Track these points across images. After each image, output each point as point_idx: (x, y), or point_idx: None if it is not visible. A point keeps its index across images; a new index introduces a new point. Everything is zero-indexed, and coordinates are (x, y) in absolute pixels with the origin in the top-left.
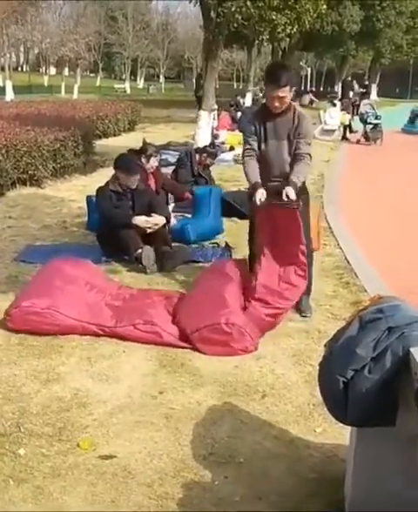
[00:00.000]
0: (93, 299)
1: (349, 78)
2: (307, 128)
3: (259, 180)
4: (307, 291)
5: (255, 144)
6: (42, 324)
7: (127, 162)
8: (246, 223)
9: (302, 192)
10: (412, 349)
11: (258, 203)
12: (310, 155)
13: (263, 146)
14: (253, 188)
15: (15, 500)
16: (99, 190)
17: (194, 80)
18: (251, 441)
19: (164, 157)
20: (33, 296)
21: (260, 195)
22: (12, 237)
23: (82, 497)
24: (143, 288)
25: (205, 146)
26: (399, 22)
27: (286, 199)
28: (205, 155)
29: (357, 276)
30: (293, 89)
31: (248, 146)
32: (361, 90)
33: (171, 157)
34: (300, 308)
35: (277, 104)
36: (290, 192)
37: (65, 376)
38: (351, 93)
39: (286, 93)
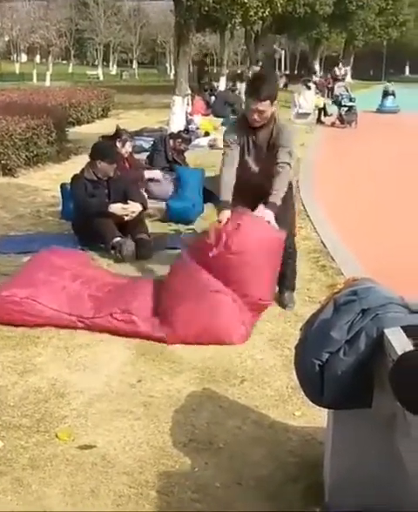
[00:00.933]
0: (76, 290)
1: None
2: (288, 137)
3: (229, 199)
4: (292, 286)
5: (236, 153)
6: (20, 314)
7: (108, 150)
8: None
9: (287, 198)
10: (386, 330)
11: (221, 222)
12: (289, 164)
13: (244, 157)
14: (221, 208)
15: None
16: (74, 178)
17: (197, 67)
18: (230, 427)
19: (138, 143)
20: (14, 286)
21: (224, 217)
22: None
23: (61, 488)
24: (132, 277)
25: (179, 132)
26: (371, 4)
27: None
28: (179, 140)
29: (333, 259)
30: (275, 103)
31: (228, 155)
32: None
33: (146, 143)
34: (282, 301)
35: (255, 117)
36: (268, 217)
37: (42, 367)
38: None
39: (266, 107)
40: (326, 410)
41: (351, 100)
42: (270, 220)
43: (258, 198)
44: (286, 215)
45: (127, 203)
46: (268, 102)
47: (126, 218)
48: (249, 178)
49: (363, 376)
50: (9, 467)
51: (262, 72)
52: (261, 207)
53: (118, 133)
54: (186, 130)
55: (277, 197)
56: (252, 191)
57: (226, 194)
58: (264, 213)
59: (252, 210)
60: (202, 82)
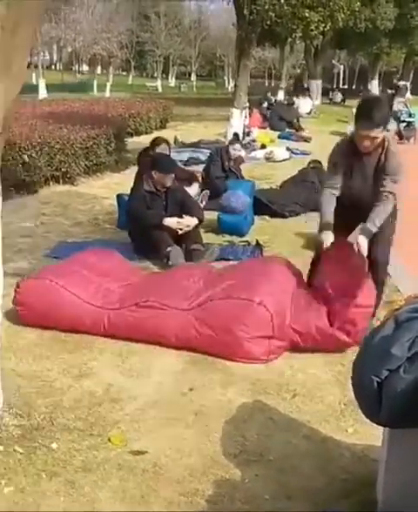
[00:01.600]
0: (106, 285)
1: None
2: (396, 166)
3: (331, 221)
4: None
5: (339, 178)
6: (45, 297)
7: (162, 161)
8: (277, 221)
9: (390, 218)
10: None
11: (324, 246)
12: (394, 194)
13: (348, 182)
14: (322, 228)
15: (47, 493)
16: (133, 190)
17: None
18: (281, 440)
19: (195, 154)
20: (48, 273)
21: (328, 239)
22: (45, 233)
23: (112, 492)
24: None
25: (236, 134)
26: None
27: (355, 249)
28: (237, 146)
29: (390, 275)
30: (385, 128)
31: (331, 179)
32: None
33: (203, 154)
34: None
35: (367, 143)
36: (361, 243)
37: (97, 371)
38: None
39: (379, 134)
40: (380, 427)
41: (410, 116)
42: (361, 247)
43: (356, 221)
44: (386, 232)
45: (182, 216)
46: (381, 128)
47: (180, 232)
48: (350, 201)
49: None
50: (62, 468)
51: (373, 97)
52: (357, 233)
53: (155, 143)
54: (237, 138)
55: (373, 224)
56: (351, 214)
57: (328, 215)
58: (359, 239)
59: (349, 232)
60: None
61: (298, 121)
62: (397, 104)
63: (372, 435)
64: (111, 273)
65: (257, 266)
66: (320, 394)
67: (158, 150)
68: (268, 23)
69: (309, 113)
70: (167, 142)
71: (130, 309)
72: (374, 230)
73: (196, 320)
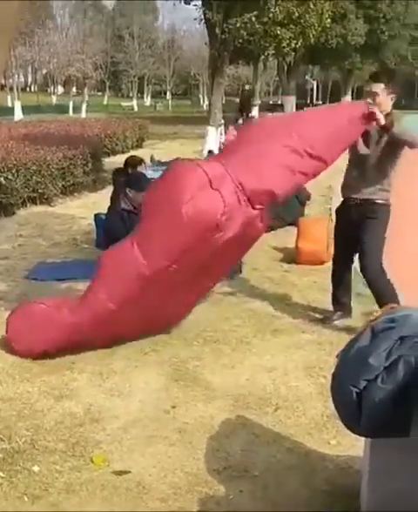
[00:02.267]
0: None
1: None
2: (405, 130)
3: None
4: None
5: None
6: (45, 321)
7: (138, 179)
8: None
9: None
10: None
11: None
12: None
13: (354, 153)
14: None
15: None
16: (110, 209)
17: (240, 96)
18: (265, 455)
19: None
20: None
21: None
22: (23, 255)
23: None
24: None
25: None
26: (403, 33)
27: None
28: None
29: (366, 286)
30: (392, 96)
31: None
32: None
33: None
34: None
35: (369, 100)
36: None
37: (78, 392)
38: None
39: (376, 89)
40: (362, 438)
41: None
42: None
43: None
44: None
45: None
46: (378, 84)
47: None
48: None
49: (401, 404)
50: (44, 491)
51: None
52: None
53: (129, 163)
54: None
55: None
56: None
57: None
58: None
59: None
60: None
61: None
62: None
63: (354, 446)
64: None
65: None
66: (302, 407)
67: (139, 169)
68: (240, 41)
69: None
70: (142, 161)
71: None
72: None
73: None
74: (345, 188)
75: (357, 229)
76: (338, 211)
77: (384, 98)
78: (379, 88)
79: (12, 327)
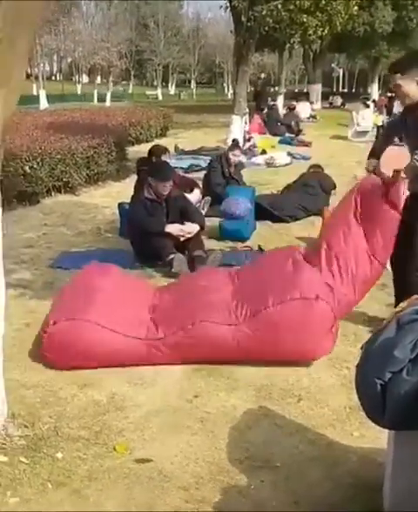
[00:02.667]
0: (133, 313)
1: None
2: None
3: (377, 153)
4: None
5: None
6: (81, 337)
7: (158, 168)
8: (278, 226)
9: None
10: None
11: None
12: None
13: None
14: (369, 157)
15: (53, 503)
16: (134, 198)
17: (255, 86)
18: (287, 445)
19: (196, 162)
20: (71, 314)
21: (371, 164)
22: (48, 244)
23: (118, 500)
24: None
25: (235, 141)
26: None
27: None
28: (236, 152)
29: None
30: (415, 77)
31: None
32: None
33: (204, 161)
34: None
35: (397, 92)
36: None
37: (101, 380)
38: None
39: (399, 80)
40: (385, 431)
41: None
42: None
43: None
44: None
45: (184, 223)
46: (399, 75)
47: (182, 238)
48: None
49: None
50: (67, 478)
51: (412, 51)
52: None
53: (153, 153)
54: (240, 148)
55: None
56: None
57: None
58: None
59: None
60: (259, 104)
61: (297, 125)
62: (397, 107)
63: (378, 439)
64: (126, 296)
65: (274, 262)
66: (325, 399)
67: (163, 158)
68: (266, 29)
69: (309, 118)
70: (168, 151)
71: (178, 335)
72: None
73: (252, 331)
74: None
75: None
76: (405, 207)
77: (408, 87)
78: (399, 78)
79: (54, 339)
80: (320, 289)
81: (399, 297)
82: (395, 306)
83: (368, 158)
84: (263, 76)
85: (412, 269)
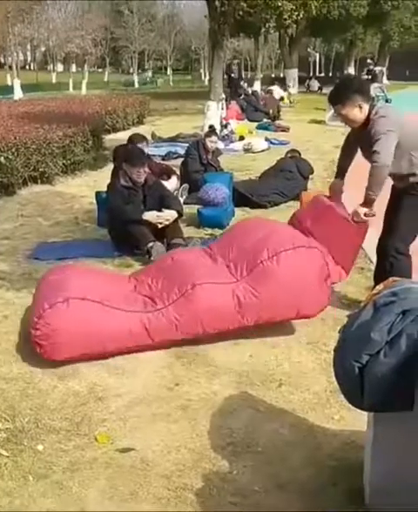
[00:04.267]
0: (124, 292)
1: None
2: (376, 129)
3: (342, 169)
4: None
5: (352, 143)
6: (82, 319)
7: (134, 154)
8: (257, 212)
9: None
10: None
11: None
12: (378, 152)
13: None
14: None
15: (35, 495)
16: (110, 185)
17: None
18: (268, 430)
19: (173, 148)
20: (68, 294)
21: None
22: (25, 234)
23: (101, 490)
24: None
25: (211, 127)
26: (407, 3)
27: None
28: (213, 138)
29: (371, 261)
30: (356, 103)
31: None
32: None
33: (181, 148)
34: None
35: (343, 120)
36: (357, 212)
37: (81, 371)
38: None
39: (342, 110)
40: (366, 413)
41: (387, 101)
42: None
43: None
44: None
45: (162, 210)
46: (339, 105)
47: (159, 226)
48: None
49: (404, 378)
50: (49, 470)
51: (343, 78)
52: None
53: (131, 140)
54: (217, 134)
55: (367, 193)
56: None
57: (339, 164)
58: (355, 209)
59: None
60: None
61: (278, 111)
62: (374, 90)
63: (358, 422)
64: (105, 280)
65: (251, 227)
66: (305, 383)
67: (140, 146)
68: (240, 13)
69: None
70: (144, 138)
71: (180, 302)
72: (371, 196)
73: (251, 287)
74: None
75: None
76: (390, 197)
77: (353, 114)
78: (341, 109)
79: (49, 325)
80: (309, 240)
81: (379, 280)
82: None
83: (335, 177)
84: (236, 62)
85: (391, 250)
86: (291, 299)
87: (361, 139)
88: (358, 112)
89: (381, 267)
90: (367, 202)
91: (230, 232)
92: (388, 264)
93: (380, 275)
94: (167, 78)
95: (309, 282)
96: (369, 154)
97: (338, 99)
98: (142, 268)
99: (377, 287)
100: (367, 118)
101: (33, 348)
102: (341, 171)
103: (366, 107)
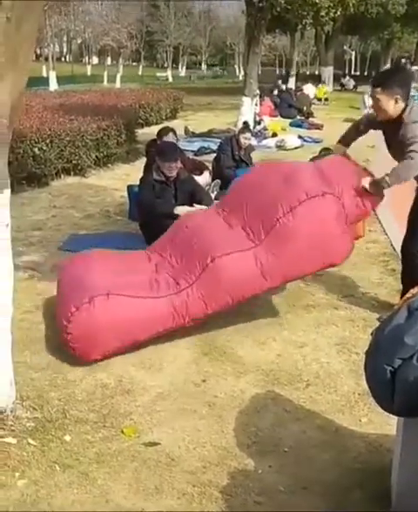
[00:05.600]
0: (145, 278)
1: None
2: (412, 131)
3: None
4: None
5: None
6: (112, 315)
7: (167, 149)
8: None
9: None
10: None
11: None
12: (411, 150)
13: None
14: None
15: (60, 485)
16: (142, 179)
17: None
18: (295, 431)
19: (206, 144)
20: (93, 292)
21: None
22: (56, 226)
23: (126, 483)
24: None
25: (245, 123)
26: None
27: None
28: (247, 135)
29: None
30: (394, 93)
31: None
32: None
33: (214, 144)
34: None
35: (374, 105)
36: (365, 182)
37: (110, 364)
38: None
39: (379, 95)
40: (394, 417)
41: None
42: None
43: None
44: None
45: (193, 205)
46: (380, 89)
47: None
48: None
49: None
50: (75, 460)
51: (397, 66)
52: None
53: (160, 134)
54: (251, 130)
55: (389, 177)
56: None
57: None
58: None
59: None
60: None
61: (309, 108)
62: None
63: (386, 425)
64: (125, 267)
65: (262, 178)
66: (333, 384)
67: (165, 139)
68: (278, 9)
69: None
70: (174, 131)
71: (203, 278)
72: (386, 184)
73: (272, 248)
74: None
75: None
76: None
77: (387, 103)
78: (379, 93)
79: (82, 324)
80: (324, 186)
81: (405, 283)
82: (402, 292)
83: (338, 143)
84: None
85: (411, 253)
86: (314, 253)
87: (389, 135)
88: (392, 105)
89: (405, 269)
90: (377, 184)
91: (239, 187)
92: (410, 267)
93: (406, 278)
94: (202, 75)
95: (329, 231)
96: (397, 152)
97: (381, 82)
98: (159, 239)
99: (411, 291)
100: (399, 116)
101: (64, 343)
102: (345, 141)
103: (401, 104)
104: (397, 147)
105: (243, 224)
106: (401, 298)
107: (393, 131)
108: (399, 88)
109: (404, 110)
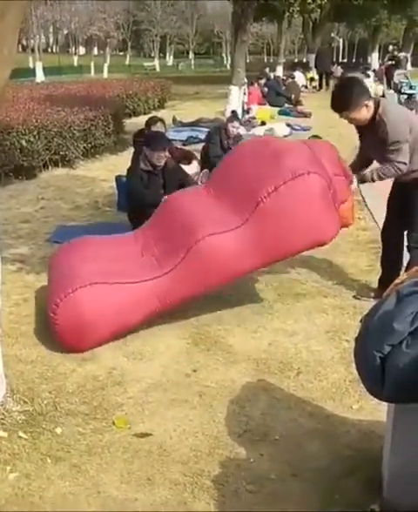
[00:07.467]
0: (133, 262)
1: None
2: (391, 134)
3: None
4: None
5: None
6: (101, 301)
7: (155, 138)
8: None
9: None
10: None
11: None
12: (403, 162)
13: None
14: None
15: (52, 478)
16: (130, 169)
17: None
18: (286, 419)
19: (194, 133)
20: (80, 282)
21: None
22: (45, 218)
23: (118, 475)
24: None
25: (233, 112)
26: None
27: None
28: (236, 123)
29: None
30: (362, 104)
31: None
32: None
33: (202, 133)
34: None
35: (350, 122)
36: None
37: (100, 355)
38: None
39: (350, 115)
40: (385, 404)
41: (411, 88)
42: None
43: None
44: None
45: None
46: (347, 112)
47: None
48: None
49: None
50: (67, 453)
51: (336, 84)
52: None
53: (148, 124)
54: (239, 119)
55: (371, 175)
56: None
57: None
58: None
59: None
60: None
61: (298, 95)
62: (397, 76)
63: (377, 412)
64: (111, 253)
65: (248, 155)
66: (324, 372)
67: (153, 128)
68: None
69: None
70: (162, 121)
71: (188, 260)
72: (369, 179)
73: (258, 228)
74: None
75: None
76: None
77: (360, 115)
78: (349, 115)
79: (68, 313)
80: (309, 165)
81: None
82: (382, 278)
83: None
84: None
85: (411, 242)
86: (301, 232)
87: (367, 137)
88: (366, 112)
89: (386, 255)
90: (363, 179)
91: (226, 165)
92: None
93: (386, 263)
94: (189, 63)
95: (316, 210)
96: (377, 154)
97: (344, 106)
98: (148, 221)
99: (400, 277)
100: (373, 115)
101: (53, 335)
102: (355, 169)
103: (371, 105)
104: (377, 146)
105: (229, 203)
106: (380, 283)
107: (371, 131)
108: (359, 96)
109: (375, 107)
